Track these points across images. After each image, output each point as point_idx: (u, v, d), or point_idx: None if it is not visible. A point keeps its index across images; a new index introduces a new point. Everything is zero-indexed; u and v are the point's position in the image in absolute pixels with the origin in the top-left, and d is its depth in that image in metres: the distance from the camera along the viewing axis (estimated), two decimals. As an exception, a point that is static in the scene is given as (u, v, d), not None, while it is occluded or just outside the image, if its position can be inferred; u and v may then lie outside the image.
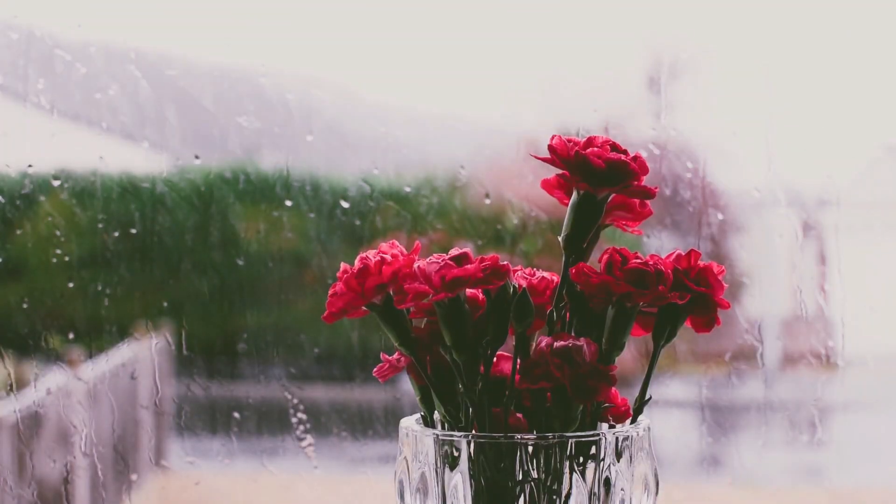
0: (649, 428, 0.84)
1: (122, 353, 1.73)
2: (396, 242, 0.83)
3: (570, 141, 0.82)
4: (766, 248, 1.88)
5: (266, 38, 1.75)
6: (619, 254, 0.81)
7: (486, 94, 1.80)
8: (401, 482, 0.83)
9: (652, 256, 0.81)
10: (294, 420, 1.70)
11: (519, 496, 0.80)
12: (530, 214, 1.71)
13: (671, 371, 1.76)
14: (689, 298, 0.81)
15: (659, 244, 1.74)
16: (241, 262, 1.74)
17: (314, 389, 1.77)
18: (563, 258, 0.84)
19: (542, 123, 1.82)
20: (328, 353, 1.79)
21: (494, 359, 0.83)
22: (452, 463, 0.80)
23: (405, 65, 1.78)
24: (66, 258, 1.67)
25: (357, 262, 0.81)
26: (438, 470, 0.81)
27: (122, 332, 1.71)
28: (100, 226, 1.69)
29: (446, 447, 0.81)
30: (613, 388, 0.81)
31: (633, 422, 0.85)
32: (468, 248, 0.80)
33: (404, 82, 1.79)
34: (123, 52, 1.69)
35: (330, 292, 0.81)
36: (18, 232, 1.69)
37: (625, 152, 0.82)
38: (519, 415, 0.83)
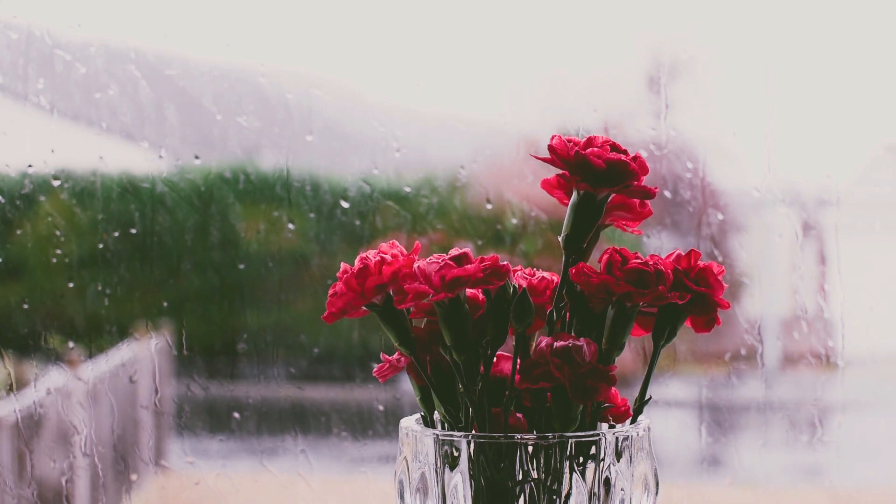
0: (649, 428, 0.84)
1: (121, 353, 1.73)
2: (396, 242, 0.83)
3: (570, 141, 0.82)
4: (766, 248, 1.88)
5: (266, 38, 1.75)
6: (619, 254, 0.81)
7: (486, 94, 1.80)
8: (401, 482, 0.83)
9: (652, 256, 0.81)
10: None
11: (519, 496, 0.80)
12: (530, 214, 1.71)
13: (671, 371, 1.76)
14: (689, 298, 0.81)
15: (659, 244, 1.74)
16: (241, 263, 1.74)
17: (314, 389, 1.77)
18: (563, 258, 0.84)
19: (542, 123, 1.82)
20: (328, 353, 1.79)
21: (494, 359, 0.83)
22: (452, 463, 0.80)
23: (405, 65, 1.78)
24: (66, 258, 1.67)
25: (357, 262, 0.81)
26: (438, 470, 0.81)
27: (122, 332, 1.71)
28: (100, 226, 1.69)
29: (446, 447, 0.81)
30: (613, 388, 0.81)
31: (633, 422, 0.85)
32: (468, 248, 0.80)
33: (404, 82, 1.79)
34: (123, 52, 1.69)
35: (330, 292, 0.81)
36: (18, 232, 1.69)
37: (625, 152, 0.82)
38: (519, 415, 0.83)
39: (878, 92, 1.85)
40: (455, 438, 0.80)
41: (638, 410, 0.85)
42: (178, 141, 1.76)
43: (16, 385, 1.64)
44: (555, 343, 0.79)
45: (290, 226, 1.72)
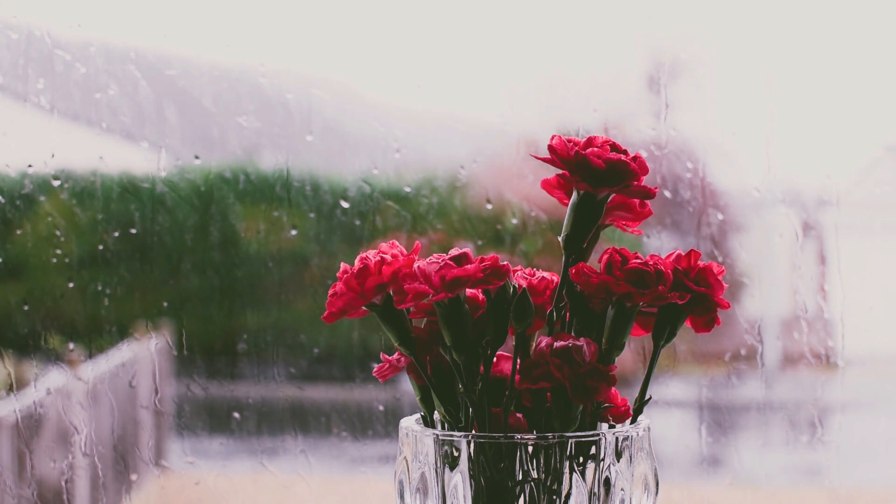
0: (649, 428, 0.84)
1: (121, 354, 1.73)
2: (396, 242, 0.83)
3: (570, 141, 0.82)
4: (766, 248, 1.88)
5: (266, 38, 1.75)
6: (619, 254, 0.81)
7: (486, 95, 1.80)
8: (401, 482, 0.83)
9: (652, 256, 0.81)
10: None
11: (519, 496, 0.80)
12: (530, 214, 1.71)
13: (671, 371, 1.76)
14: (689, 298, 0.81)
15: (659, 244, 1.74)
16: (240, 263, 1.74)
17: (314, 389, 1.77)
18: (563, 258, 0.84)
19: (542, 123, 1.82)
20: (328, 353, 1.79)
21: (494, 359, 0.83)
22: (452, 463, 0.80)
23: (405, 65, 1.78)
24: (66, 258, 1.67)
25: (357, 262, 0.81)
26: (438, 470, 0.81)
27: (122, 333, 1.71)
28: (100, 226, 1.69)
29: (446, 447, 0.81)
30: (613, 388, 0.81)
31: (633, 422, 0.85)
32: (468, 248, 0.80)
33: (404, 82, 1.79)
34: (123, 52, 1.69)
35: (330, 292, 0.81)
36: (18, 232, 1.69)
37: (625, 152, 0.82)
38: (519, 415, 0.83)
39: (878, 92, 1.85)
40: (455, 438, 0.80)
41: (638, 410, 0.85)
42: (178, 141, 1.76)
43: (16, 385, 1.64)
44: (555, 343, 0.79)
45: (293, 231, 1.72)
